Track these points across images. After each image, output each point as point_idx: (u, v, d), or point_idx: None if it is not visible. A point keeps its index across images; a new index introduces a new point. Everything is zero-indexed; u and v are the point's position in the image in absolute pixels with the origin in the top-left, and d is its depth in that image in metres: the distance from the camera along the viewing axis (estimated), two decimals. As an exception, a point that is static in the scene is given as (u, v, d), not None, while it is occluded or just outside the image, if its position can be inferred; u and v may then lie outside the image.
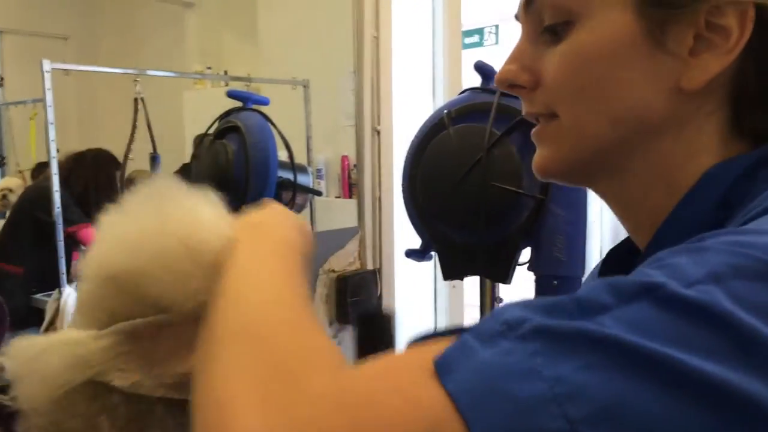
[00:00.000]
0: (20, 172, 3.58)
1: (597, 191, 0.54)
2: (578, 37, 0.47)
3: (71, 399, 0.42)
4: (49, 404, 0.42)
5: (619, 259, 0.57)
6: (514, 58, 0.51)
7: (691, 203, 0.46)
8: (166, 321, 0.43)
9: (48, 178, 2.34)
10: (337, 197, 2.79)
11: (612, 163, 0.49)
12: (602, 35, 0.46)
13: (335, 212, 2.54)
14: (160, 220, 0.46)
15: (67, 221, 2.40)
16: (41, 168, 3.32)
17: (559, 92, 0.49)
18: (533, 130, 0.54)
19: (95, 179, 2.70)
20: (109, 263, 0.45)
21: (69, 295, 2.16)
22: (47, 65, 2.19)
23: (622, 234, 0.62)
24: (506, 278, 1.46)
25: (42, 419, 0.43)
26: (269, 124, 1.81)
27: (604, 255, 0.63)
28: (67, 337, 0.43)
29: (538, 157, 0.53)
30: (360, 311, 0.55)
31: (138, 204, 0.48)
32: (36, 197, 2.46)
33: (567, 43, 0.47)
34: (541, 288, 1.46)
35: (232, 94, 1.92)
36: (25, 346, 0.43)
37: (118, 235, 0.46)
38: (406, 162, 1.54)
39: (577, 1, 0.46)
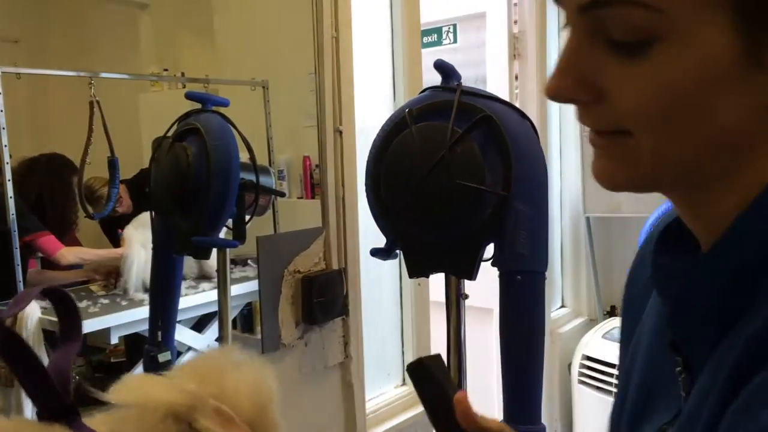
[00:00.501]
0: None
1: (666, 195, 0.51)
2: (664, 59, 0.41)
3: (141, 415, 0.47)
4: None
5: (674, 237, 0.55)
6: (566, 70, 0.46)
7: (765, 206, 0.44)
8: None
9: (1, 185, 2.28)
10: (299, 198, 2.78)
11: (692, 180, 0.47)
12: (696, 58, 0.41)
13: (298, 213, 2.53)
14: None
15: (24, 229, 2.33)
16: None
17: (636, 116, 0.44)
18: (591, 136, 0.49)
19: (49, 185, 2.62)
20: None
21: (28, 305, 2.10)
22: (-3, 69, 2.13)
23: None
24: (471, 274, 1.48)
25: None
26: (230, 126, 1.79)
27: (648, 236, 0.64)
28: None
29: (604, 170, 0.48)
30: (409, 365, 0.61)
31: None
32: None
33: (649, 65, 0.42)
34: (505, 283, 1.48)
35: (190, 96, 1.89)
36: None
37: None
38: (369, 161, 1.55)
39: (661, 18, 0.41)
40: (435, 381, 0.66)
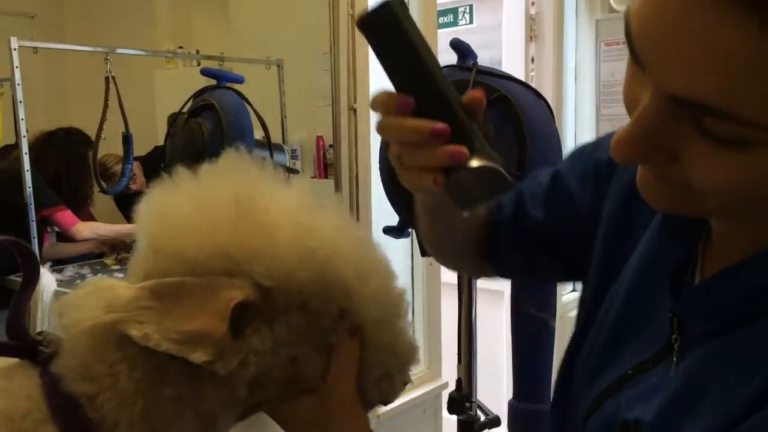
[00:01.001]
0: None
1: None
2: (761, 157, 0.38)
3: (98, 344, 0.46)
4: (80, 346, 0.47)
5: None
6: (644, 138, 0.41)
7: None
8: (187, 282, 0.46)
9: (17, 159, 2.30)
10: (312, 177, 2.78)
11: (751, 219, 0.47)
12: None
13: (311, 192, 2.53)
14: (215, 186, 0.50)
15: (41, 204, 2.35)
16: (8, 150, 3.25)
17: (717, 193, 0.41)
18: (641, 173, 0.46)
19: (66, 160, 2.64)
20: (157, 223, 0.49)
21: (43, 275, 2.13)
22: (14, 43, 2.14)
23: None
24: (483, 254, 1.48)
25: (73, 361, 0.47)
26: (244, 103, 1.80)
27: None
28: (108, 284, 0.46)
29: (657, 192, 0.46)
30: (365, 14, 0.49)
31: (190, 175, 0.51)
32: (7, 179, 2.41)
33: (742, 157, 0.38)
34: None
35: (206, 72, 1.90)
36: (85, 283, 0.47)
37: (167, 201, 0.50)
38: (382, 141, 1.54)
39: (765, 133, 0.37)
40: (402, 31, 0.50)
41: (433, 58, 0.51)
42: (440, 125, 0.50)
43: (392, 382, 0.56)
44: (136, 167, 2.77)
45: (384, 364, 0.55)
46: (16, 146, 2.71)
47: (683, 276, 0.53)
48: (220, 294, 0.46)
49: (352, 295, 0.51)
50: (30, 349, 0.49)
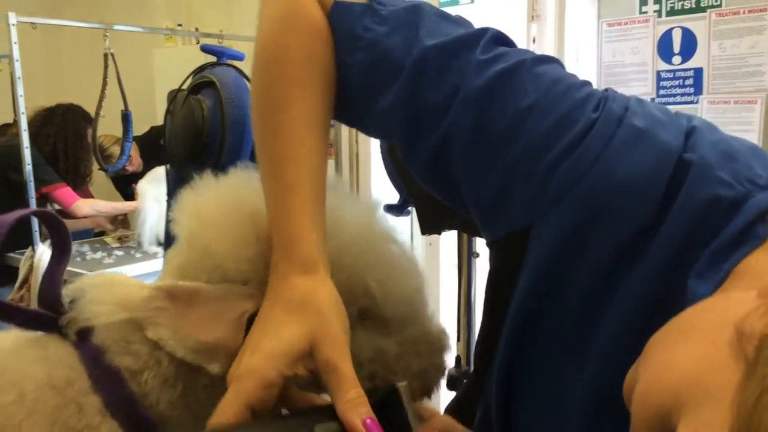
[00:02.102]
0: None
1: None
2: None
3: (137, 325, 0.48)
4: (119, 324, 0.48)
5: None
6: None
7: None
8: (203, 289, 0.48)
9: (16, 136, 2.30)
10: (312, 157, 2.78)
11: None
12: None
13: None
14: (236, 196, 0.53)
15: (41, 181, 2.35)
16: (4, 129, 3.23)
17: None
18: None
19: (64, 137, 2.63)
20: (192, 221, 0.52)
21: (43, 252, 2.13)
22: (13, 18, 2.13)
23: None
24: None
25: (113, 335, 0.49)
26: (244, 80, 1.79)
27: None
28: (119, 280, 0.48)
29: None
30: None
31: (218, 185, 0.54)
32: (7, 156, 2.40)
33: None
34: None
35: (206, 49, 1.88)
36: (96, 276, 0.49)
37: (199, 205, 0.53)
38: (384, 117, 1.54)
39: None
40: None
41: None
42: None
43: (429, 372, 0.57)
44: (133, 149, 2.75)
45: (420, 356, 0.56)
46: (14, 124, 2.70)
47: None
48: (234, 304, 0.48)
49: (375, 296, 0.52)
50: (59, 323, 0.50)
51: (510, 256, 0.53)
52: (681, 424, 0.29)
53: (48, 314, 0.50)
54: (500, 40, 0.55)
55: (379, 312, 0.53)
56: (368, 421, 0.44)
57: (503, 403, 0.57)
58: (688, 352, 0.32)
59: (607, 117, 0.50)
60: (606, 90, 0.53)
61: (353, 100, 0.58)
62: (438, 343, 0.58)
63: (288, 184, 0.51)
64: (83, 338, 0.49)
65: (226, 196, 0.53)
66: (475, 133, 0.52)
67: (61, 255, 0.51)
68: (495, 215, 0.53)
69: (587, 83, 0.54)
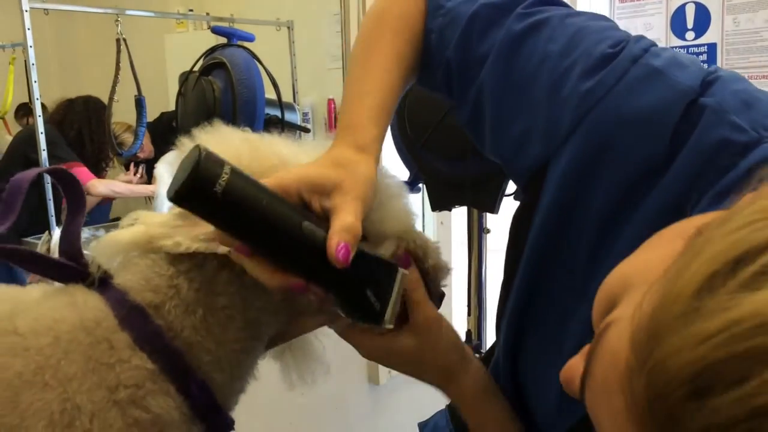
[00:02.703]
0: (1, 118, 3.53)
1: None
2: None
3: (153, 261, 0.52)
4: (135, 265, 0.53)
5: None
6: None
7: None
8: None
9: (44, 120, 2.37)
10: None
11: None
12: None
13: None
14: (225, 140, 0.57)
15: (57, 158, 2.43)
16: (26, 109, 3.30)
17: None
18: None
19: (88, 123, 2.72)
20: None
21: (56, 235, 2.16)
22: (26, 4, 2.14)
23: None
24: (493, 208, 1.49)
25: (133, 275, 0.52)
26: (255, 62, 1.80)
27: None
28: (143, 213, 0.54)
29: None
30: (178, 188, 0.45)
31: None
32: (29, 137, 2.47)
33: None
34: (527, 217, 1.49)
35: (216, 30, 1.90)
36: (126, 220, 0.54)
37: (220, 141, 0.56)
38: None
39: None
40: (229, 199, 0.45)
41: (267, 204, 0.47)
42: (296, 282, 0.50)
43: (440, 269, 0.62)
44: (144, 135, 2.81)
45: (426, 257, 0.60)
46: (44, 108, 2.80)
47: None
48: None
49: (373, 219, 0.56)
50: (84, 271, 0.53)
51: (530, 198, 0.55)
52: (621, 304, 0.30)
53: (71, 264, 0.53)
54: (547, 0, 0.59)
55: (374, 230, 0.56)
56: (342, 246, 0.47)
57: (512, 350, 0.60)
58: (647, 250, 0.34)
59: (624, 56, 0.51)
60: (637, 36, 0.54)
61: (430, 65, 0.63)
62: (436, 246, 0.61)
63: (365, 91, 0.57)
64: (103, 285, 0.52)
65: (218, 136, 0.56)
66: (503, 77, 0.56)
67: (76, 210, 0.55)
68: (517, 156, 0.56)
69: (618, 30, 0.55)
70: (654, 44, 0.53)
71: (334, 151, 0.53)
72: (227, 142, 0.55)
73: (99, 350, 0.49)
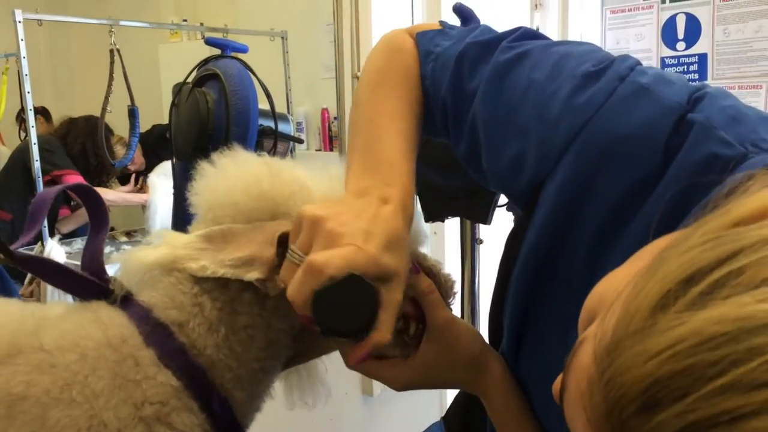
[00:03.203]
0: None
1: None
2: None
3: (177, 279, 0.53)
4: (160, 282, 0.53)
5: None
6: None
7: None
8: (235, 228, 0.53)
9: (49, 134, 2.41)
10: (317, 150, 2.79)
11: None
12: None
13: (316, 165, 2.54)
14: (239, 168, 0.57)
15: (53, 165, 2.46)
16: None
17: None
18: None
19: (91, 137, 2.78)
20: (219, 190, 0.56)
21: (52, 247, 2.15)
22: (19, 15, 2.14)
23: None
24: (486, 219, 1.49)
25: (157, 293, 0.53)
26: (248, 72, 1.80)
27: None
28: (167, 232, 0.55)
29: None
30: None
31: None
32: (28, 148, 2.49)
33: None
34: (520, 228, 1.50)
35: (210, 41, 1.90)
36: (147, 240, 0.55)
37: (212, 176, 0.57)
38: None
39: None
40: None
41: None
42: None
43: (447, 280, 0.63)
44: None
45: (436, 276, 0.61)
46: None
47: None
48: (265, 229, 0.52)
49: None
50: (106, 288, 0.54)
51: (525, 216, 0.56)
52: (595, 321, 0.31)
53: (94, 280, 0.53)
54: (530, 34, 0.61)
55: None
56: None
57: (513, 362, 0.61)
58: (623, 268, 0.36)
59: (611, 75, 0.52)
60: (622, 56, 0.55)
61: (430, 111, 0.64)
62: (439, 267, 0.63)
63: (379, 135, 0.58)
64: (126, 302, 0.53)
65: (238, 162, 0.57)
66: (492, 107, 0.58)
67: (99, 226, 0.56)
68: (513, 181, 0.57)
69: (601, 52, 0.57)
70: (639, 63, 0.54)
71: (375, 203, 0.52)
72: (247, 167, 0.55)
73: (125, 367, 0.50)
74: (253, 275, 0.51)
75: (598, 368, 0.28)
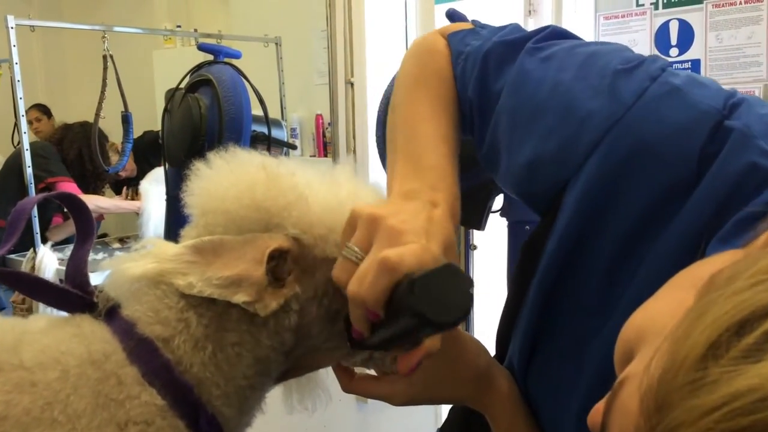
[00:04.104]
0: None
1: None
2: None
3: (163, 293, 0.51)
4: (145, 295, 0.51)
5: None
6: None
7: None
8: (226, 239, 0.51)
9: (44, 139, 2.41)
10: (311, 156, 2.79)
11: None
12: None
13: (321, 168, 2.54)
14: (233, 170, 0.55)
15: (47, 171, 2.45)
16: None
17: None
18: None
19: (87, 143, 2.77)
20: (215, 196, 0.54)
21: (44, 254, 2.14)
22: (12, 21, 2.14)
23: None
24: (480, 225, 1.49)
25: (142, 306, 0.51)
26: (242, 78, 1.80)
27: None
28: (154, 241, 0.52)
29: None
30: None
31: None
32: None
33: None
34: (513, 233, 1.49)
35: (203, 47, 1.90)
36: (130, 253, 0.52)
37: (207, 178, 0.55)
38: (380, 111, 1.55)
39: None
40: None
41: None
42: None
43: None
44: None
45: None
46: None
47: None
48: (257, 244, 0.50)
49: None
50: (90, 300, 0.52)
51: (543, 224, 0.55)
52: (635, 358, 0.30)
53: (78, 293, 0.52)
54: (559, 34, 0.59)
55: None
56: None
57: (523, 376, 0.58)
58: (662, 298, 0.34)
59: (642, 75, 0.50)
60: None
61: (462, 111, 0.62)
62: None
63: (418, 138, 0.57)
64: (111, 315, 0.51)
65: (233, 164, 0.55)
66: (514, 108, 0.56)
67: (85, 237, 0.54)
68: (531, 183, 0.55)
69: (629, 51, 0.55)
70: (671, 65, 0.51)
71: (424, 206, 0.50)
72: (242, 172, 0.53)
73: (108, 386, 0.48)
74: (240, 297, 0.49)
75: (645, 421, 0.26)
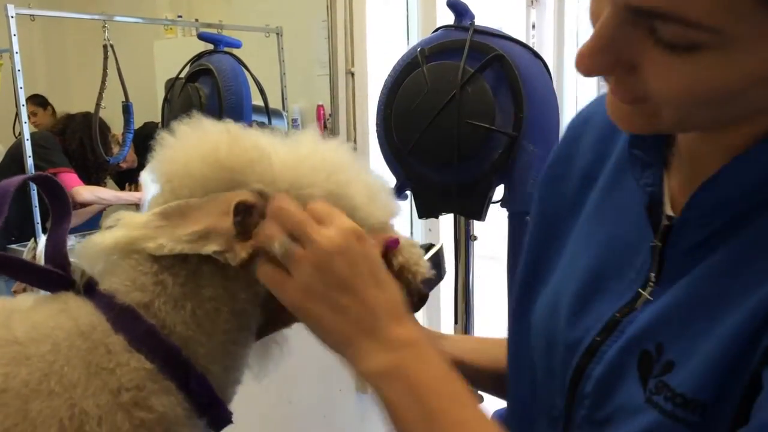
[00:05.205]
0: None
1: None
2: (710, 62, 0.40)
3: (136, 261, 0.53)
4: (119, 267, 0.53)
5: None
6: (605, 48, 0.43)
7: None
8: (191, 202, 0.52)
9: (47, 129, 2.40)
10: (313, 146, 2.78)
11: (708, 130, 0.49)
12: (741, 66, 0.40)
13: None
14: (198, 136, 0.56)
15: (48, 162, 2.44)
16: (31, 104, 3.35)
17: (668, 99, 0.44)
18: (611, 86, 0.47)
19: (89, 133, 2.74)
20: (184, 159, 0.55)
21: (44, 244, 2.15)
22: (12, 10, 2.13)
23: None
24: (480, 215, 1.49)
25: (118, 278, 0.53)
26: (242, 68, 1.79)
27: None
28: (123, 214, 0.54)
29: (622, 114, 0.48)
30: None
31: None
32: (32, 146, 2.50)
33: (693, 63, 0.41)
34: (513, 224, 1.49)
35: (203, 36, 1.89)
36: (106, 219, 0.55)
37: (172, 145, 0.56)
38: (380, 101, 1.54)
39: (716, 35, 0.39)
40: None
41: None
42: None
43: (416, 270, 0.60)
44: None
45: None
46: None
47: (657, 209, 0.53)
48: (221, 199, 0.52)
49: (356, 200, 0.56)
50: (72, 279, 0.54)
51: None
52: None
53: (58, 272, 0.53)
54: None
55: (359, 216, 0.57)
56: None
57: (527, 307, 0.65)
58: None
59: None
60: None
61: None
62: (416, 249, 0.62)
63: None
64: (91, 290, 0.53)
65: (198, 129, 0.56)
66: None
67: (61, 217, 0.54)
68: None
69: None
70: None
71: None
72: (206, 135, 0.54)
73: (97, 355, 0.50)
74: (210, 248, 0.51)
75: None
